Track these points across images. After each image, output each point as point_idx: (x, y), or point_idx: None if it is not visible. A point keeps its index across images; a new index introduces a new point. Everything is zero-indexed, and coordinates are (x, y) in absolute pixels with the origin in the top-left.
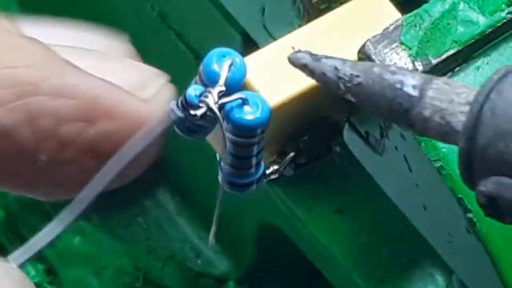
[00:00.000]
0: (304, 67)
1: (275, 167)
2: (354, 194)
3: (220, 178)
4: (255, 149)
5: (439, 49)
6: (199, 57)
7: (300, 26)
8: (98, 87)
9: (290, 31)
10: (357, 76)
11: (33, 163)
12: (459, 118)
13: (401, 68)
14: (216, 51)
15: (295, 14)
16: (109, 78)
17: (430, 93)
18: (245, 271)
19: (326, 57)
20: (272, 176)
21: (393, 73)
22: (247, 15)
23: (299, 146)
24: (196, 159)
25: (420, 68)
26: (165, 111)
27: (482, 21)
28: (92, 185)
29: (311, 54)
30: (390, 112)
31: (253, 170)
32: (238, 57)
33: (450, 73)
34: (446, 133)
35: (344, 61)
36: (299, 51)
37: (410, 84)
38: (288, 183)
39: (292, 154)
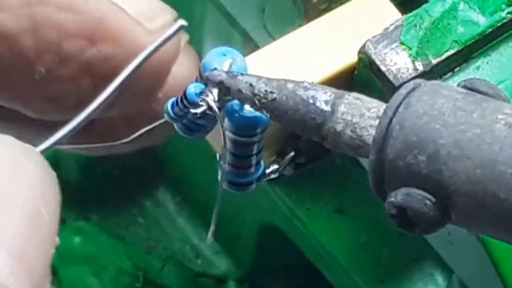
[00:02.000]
0: (220, 84)
1: (275, 166)
2: (354, 194)
3: (219, 177)
4: (255, 148)
5: (439, 49)
6: (199, 56)
7: (300, 26)
8: (107, 8)
9: (290, 31)
10: (271, 92)
11: (31, 74)
12: (370, 131)
13: (314, 84)
14: (217, 50)
15: (295, 14)
16: (119, 2)
17: (341, 108)
18: (245, 271)
19: (242, 74)
20: (272, 176)
21: (306, 89)
22: (247, 15)
23: (299, 146)
24: (196, 159)
25: (420, 68)
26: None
27: (482, 21)
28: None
29: (227, 72)
30: (304, 127)
31: (253, 169)
32: (238, 56)
33: (450, 73)
34: (358, 147)
35: (259, 78)
36: (215, 69)
37: (322, 99)
38: (288, 183)
39: (292, 153)
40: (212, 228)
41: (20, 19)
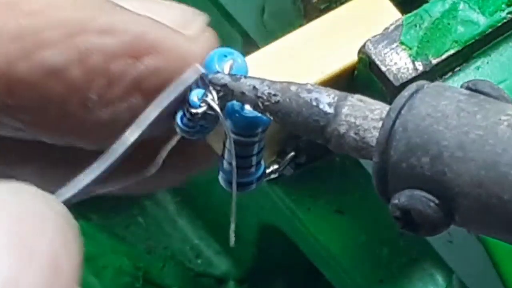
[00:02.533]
0: (224, 87)
1: (275, 166)
2: (354, 194)
3: (220, 177)
4: (256, 148)
5: (439, 49)
6: None
7: (300, 26)
8: (144, 23)
9: (290, 31)
10: (274, 95)
11: (83, 103)
12: (373, 133)
13: (317, 86)
14: (218, 51)
15: (295, 14)
16: (153, 17)
17: (345, 110)
18: (245, 271)
19: (245, 76)
20: (272, 176)
21: (309, 91)
22: (247, 15)
23: (299, 146)
24: None
25: (420, 68)
26: (209, 49)
27: (482, 21)
28: (135, 124)
29: (230, 75)
30: (307, 129)
31: (253, 169)
32: (239, 57)
33: (450, 73)
34: (361, 149)
35: (262, 80)
36: (218, 72)
37: (326, 101)
38: (288, 183)
39: (292, 153)
40: (232, 227)
41: (64, 53)
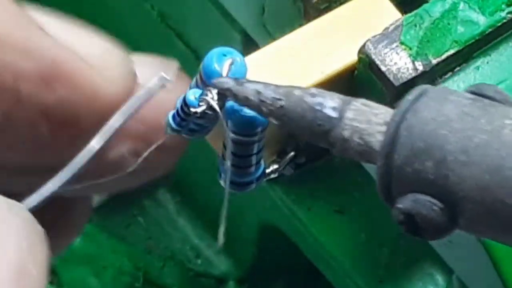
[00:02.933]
0: (227, 91)
1: (275, 166)
2: (354, 194)
3: (221, 177)
4: (255, 148)
5: (439, 49)
6: (199, 57)
7: (300, 26)
8: (62, 52)
9: (290, 31)
10: (279, 99)
11: None
12: (377, 138)
13: (321, 90)
14: (217, 50)
15: (295, 14)
16: (74, 46)
17: (349, 114)
18: (245, 271)
19: (249, 81)
20: (272, 175)
21: (313, 95)
22: (247, 15)
23: (299, 146)
24: (196, 159)
25: (420, 68)
26: (126, 89)
27: (482, 21)
28: (101, 132)
29: (234, 79)
30: (311, 133)
31: (253, 169)
32: (238, 57)
33: (450, 73)
34: (365, 153)
35: (266, 84)
36: (222, 76)
37: (330, 106)
38: (288, 182)
39: (292, 153)
40: (221, 228)
41: None
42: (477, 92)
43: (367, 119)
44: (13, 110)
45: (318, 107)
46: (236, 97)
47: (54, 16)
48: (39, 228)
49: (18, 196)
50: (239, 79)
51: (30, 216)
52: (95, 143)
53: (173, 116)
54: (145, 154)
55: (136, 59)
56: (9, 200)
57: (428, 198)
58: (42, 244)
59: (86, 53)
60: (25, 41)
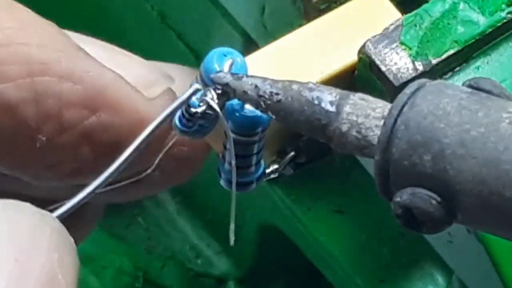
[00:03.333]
0: (226, 86)
1: (275, 166)
2: (354, 194)
3: (221, 177)
4: (256, 148)
5: (439, 49)
6: (199, 57)
7: (300, 26)
8: (107, 77)
9: (290, 31)
10: (276, 93)
11: (31, 142)
12: (375, 132)
13: (318, 85)
14: (217, 51)
15: (295, 14)
16: (118, 70)
17: (347, 108)
18: (245, 271)
19: (247, 76)
20: (272, 175)
21: (311, 90)
22: (247, 15)
23: (299, 146)
24: None
25: (420, 68)
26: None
27: (482, 21)
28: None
29: (232, 74)
30: (309, 127)
31: (253, 168)
32: (239, 57)
33: (450, 73)
34: (363, 147)
35: (264, 79)
36: (221, 71)
37: (328, 100)
38: (288, 182)
39: (292, 153)
40: (231, 227)
41: (22, 89)
42: (474, 86)
43: (365, 113)
44: (56, 135)
45: (316, 101)
46: (234, 92)
47: (94, 40)
48: (70, 239)
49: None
50: (237, 74)
51: (61, 227)
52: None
53: (179, 118)
54: (161, 154)
55: (172, 70)
56: (41, 210)
57: (426, 191)
58: (72, 254)
59: (131, 75)
60: (72, 68)
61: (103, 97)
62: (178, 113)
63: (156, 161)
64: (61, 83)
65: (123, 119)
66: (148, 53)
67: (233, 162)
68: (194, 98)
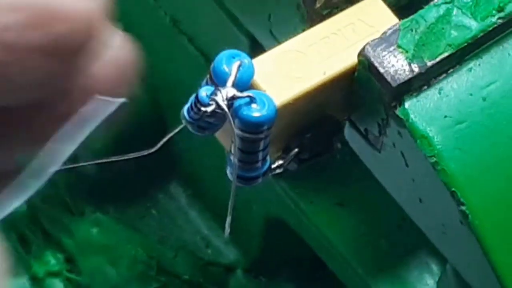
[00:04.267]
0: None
1: (280, 162)
2: (355, 188)
3: (228, 172)
4: (262, 145)
5: (434, 52)
6: (209, 59)
7: (303, 30)
8: None
9: (294, 35)
10: None
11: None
12: None
13: None
14: (226, 53)
15: (299, 20)
16: None
17: None
18: (253, 260)
19: None
20: (277, 171)
21: None
22: (254, 20)
23: (302, 143)
24: (206, 155)
25: (416, 70)
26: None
27: (474, 26)
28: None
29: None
30: None
31: (259, 164)
32: (246, 59)
33: (444, 75)
34: None
35: None
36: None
37: None
38: (292, 177)
39: (296, 150)
40: (228, 220)
41: None
42: None
43: None
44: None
45: None
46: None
47: None
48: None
49: None
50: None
51: None
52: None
53: (188, 110)
54: (166, 138)
55: None
56: None
57: None
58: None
59: None
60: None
61: (49, 14)
62: (188, 104)
63: (162, 141)
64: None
65: (74, 24)
66: (161, 55)
67: (236, 159)
68: (204, 94)
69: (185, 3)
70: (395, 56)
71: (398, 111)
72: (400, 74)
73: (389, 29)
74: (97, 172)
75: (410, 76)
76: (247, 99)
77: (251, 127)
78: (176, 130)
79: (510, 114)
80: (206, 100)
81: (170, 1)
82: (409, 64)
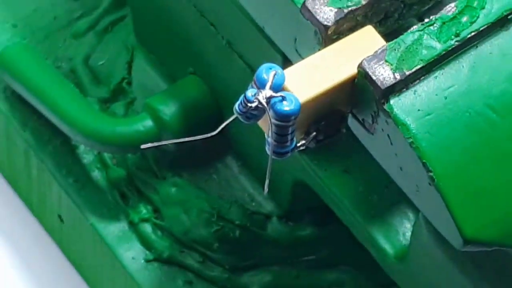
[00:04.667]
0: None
1: (303, 142)
2: (355, 160)
3: (267, 148)
4: (290, 130)
5: (410, 65)
6: (253, 70)
7: (319, 49)
8: None
9: (313, 53)
10: None
11: None
12: None
13: None
14: (265, 65)
15: (316, 42)
16: None
17: None
18: (283, 210)
19: None
20: (301, 148)
21: None
22: (285, 43)
23: (318, 128)
24: (251, 136)
25: (398, 77)
26: None
27: (438, 46)
28: None
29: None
30: None
31: (288, 143)
32: (279, 69)
33: (417, 81)
34: None
35: None
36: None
37: None
38: (311, 152)
39: (314, 133)
40: (266, 182)
41: None
42: None
43: None
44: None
45: None
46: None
47: None
48: None
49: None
50: None
51: None
52: None
53: (238, 105)
54: (227, 122)
55: None
56: None
57: None
58: None
59: None
60: None
61: None
62: (238, 101)
63: (223, 125)
64: None
65: None
66: (220, 67)
67: (272, 140)
68: (250, 94)
69: (237, 31)
70: (383, 68)
71: (385, 106)
72: (387, 81)
73: (379, 49)
74: (175, 148)
75: (394, 82)
76: (280, 98)
77: (283, 118)
78: (230, 119)
79: (464, 108)
80: (251, 99)
81: (226, 29)
82: (393, 73)
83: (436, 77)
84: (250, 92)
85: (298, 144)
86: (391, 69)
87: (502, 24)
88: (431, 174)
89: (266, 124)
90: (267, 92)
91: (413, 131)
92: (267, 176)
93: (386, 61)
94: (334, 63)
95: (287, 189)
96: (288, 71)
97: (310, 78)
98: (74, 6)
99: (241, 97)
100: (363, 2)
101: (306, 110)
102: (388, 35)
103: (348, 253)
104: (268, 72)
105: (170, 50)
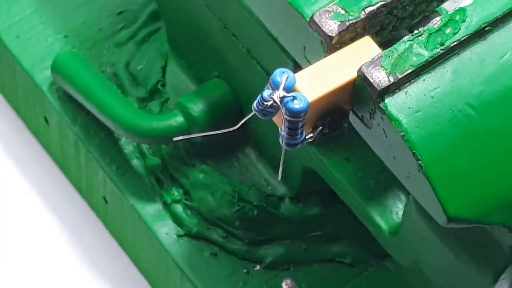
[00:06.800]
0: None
1: (311, 135)
2: (355, 150)
3: (280, 140)
4: (300, 124)
5: (402, 69)
6: (268, 73)
7: (325, 56)
8: None
9: (319, 59)
10: None
11: None
12: None
13: None
14: (279, 70)
15: (322, 50)
16: None
17: None
18: (295, 193)
19: None
20: (309, 140)
21: None
22: (296, 51)
23: (324, 123)
24: (267, 130)
25: (392, 80)
26: None
27: (426, 54)
28: None
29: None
30: None
31: (299, 136)
32: (291, 73)
33: (408, 83)
34: None
35: None
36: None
37: None
38: (319, 143)
39: (320, 127)
40: (280, 169)
41: None
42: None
43: None
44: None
45: None
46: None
47: None
48: None
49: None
50: None
51: None
52: None
53: (256, 104)
54: (248, 117)
55: None
56: None
57: None
58: None
59: None
60: None
61: None
62: (256, 100)
63: (244, 120)
64: None
65: None
66: (241, 71)
67: (285, 133)
68: (266, 95)
69: (255, 40)
70: (379, 72)
71: (381, 105)
72: (382, 83)
73: (376, 56)
74: (202, 140)
75: (388, 84)
76: (292, 98)
77: (294, 114)
78: (249, 115)
79: (447, 106)
80: (267, 98)
81: (246, 39)
82: (388, 77)
83: (424, 80)
84: (266, 93)
85: (307, 137)
86: (386, 73)
87: (480, 35)
88: (419, 162)
89: (279, 120)
90: (280, 92)
91: (405, 125)
92: (280, 163)
93: (381, 66)
94: (338, 68)
95: (297, 174)
96: (299, 74)
97: (317, 80)
98: (117, 19)
99: (259, 97)
100: (362, 17)
101: (313, 108)
102: (383, 44)
103: (349, 229)
104: (282, 75)
105: (198, 56)
